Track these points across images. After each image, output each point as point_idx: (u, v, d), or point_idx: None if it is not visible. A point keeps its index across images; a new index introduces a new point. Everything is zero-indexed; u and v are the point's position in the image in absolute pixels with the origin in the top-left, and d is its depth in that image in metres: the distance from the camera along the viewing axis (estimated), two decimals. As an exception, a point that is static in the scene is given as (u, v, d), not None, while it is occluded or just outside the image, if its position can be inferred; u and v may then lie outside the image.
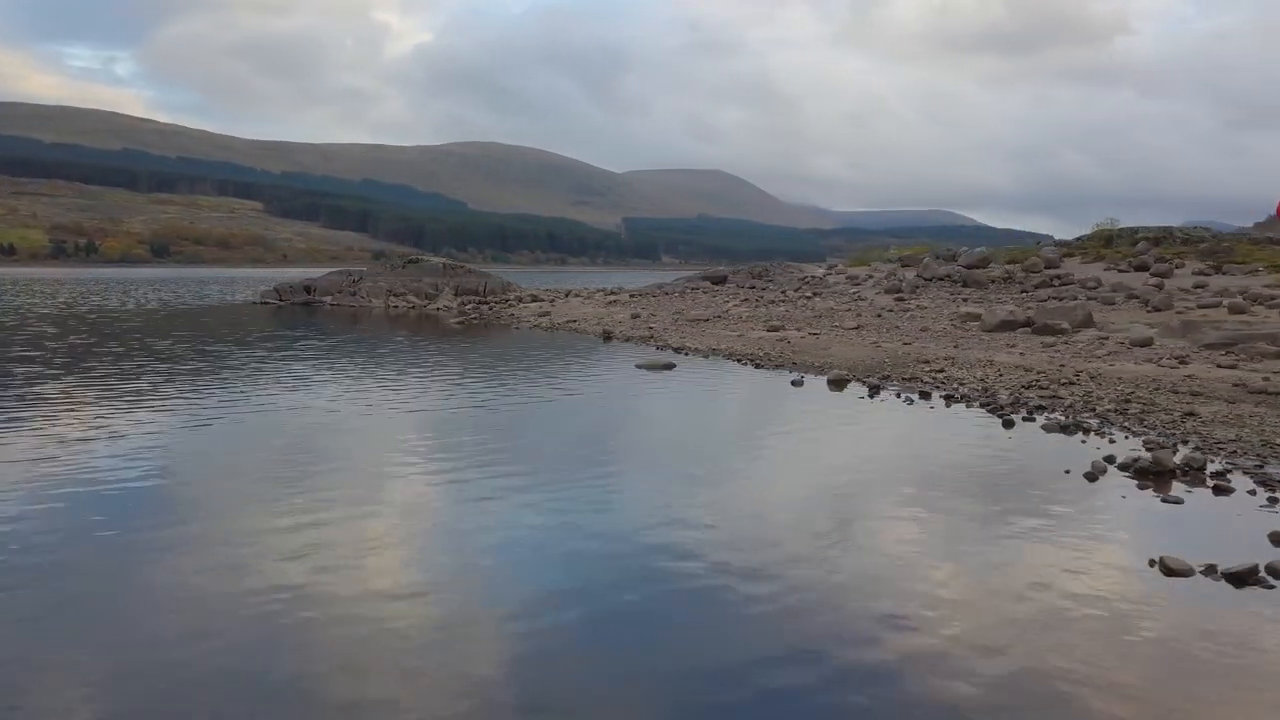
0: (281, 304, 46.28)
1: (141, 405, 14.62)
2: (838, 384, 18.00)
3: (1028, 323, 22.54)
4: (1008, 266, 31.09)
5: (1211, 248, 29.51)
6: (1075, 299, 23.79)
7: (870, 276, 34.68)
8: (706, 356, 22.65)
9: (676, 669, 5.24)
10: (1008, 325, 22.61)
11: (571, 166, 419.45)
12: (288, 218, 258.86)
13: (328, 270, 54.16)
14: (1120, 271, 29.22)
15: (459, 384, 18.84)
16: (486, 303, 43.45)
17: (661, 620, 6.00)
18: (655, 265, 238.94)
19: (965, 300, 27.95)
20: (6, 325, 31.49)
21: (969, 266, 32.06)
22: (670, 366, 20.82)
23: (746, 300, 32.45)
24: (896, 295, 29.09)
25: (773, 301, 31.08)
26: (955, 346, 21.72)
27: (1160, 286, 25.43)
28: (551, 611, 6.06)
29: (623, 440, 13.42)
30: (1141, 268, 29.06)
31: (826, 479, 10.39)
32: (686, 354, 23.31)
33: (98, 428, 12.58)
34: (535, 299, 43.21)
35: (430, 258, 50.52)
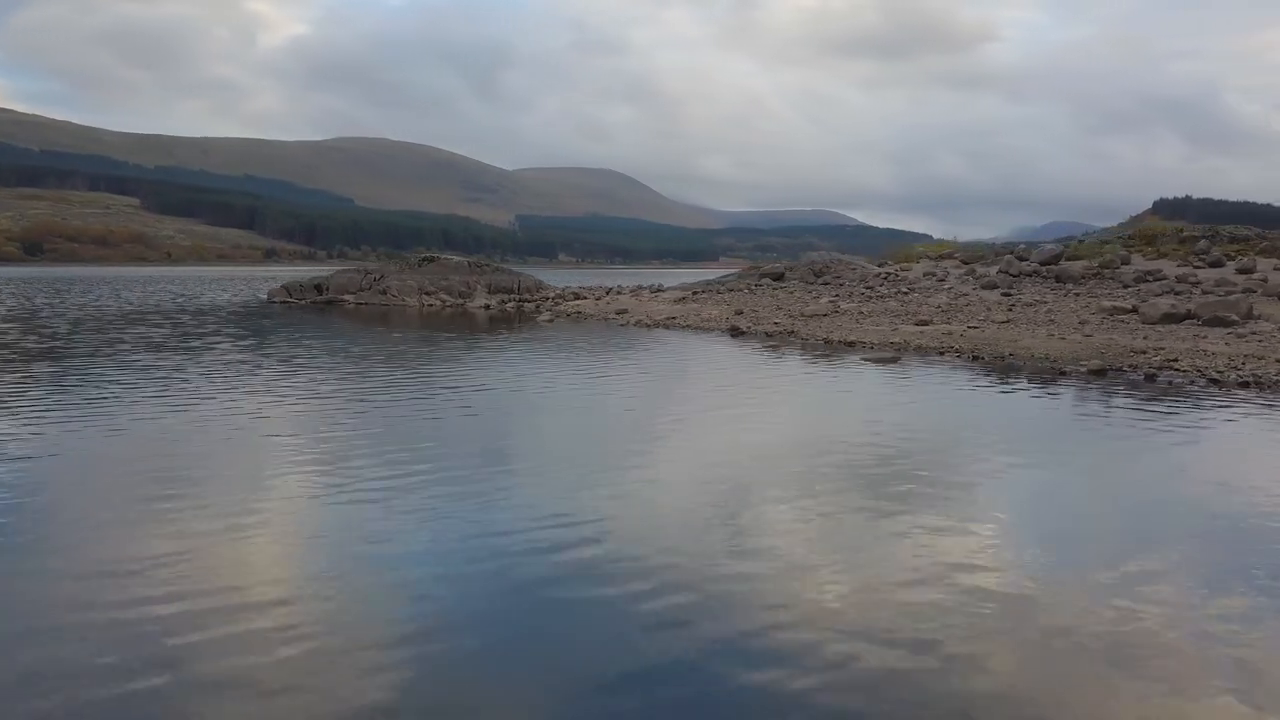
0: (300, 303, 44.46)
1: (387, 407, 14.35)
2: (1099, 374, 18.82)
3: (1188, 315, 23.74)
4: (1084, 263, 32.65)
5: (1273, 244, 31.77)
6: (1235, 293, 25.22)
7: (934, 273, 35.85)
8: (899, 350, 23.10)
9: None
10: (1171, 318, 23.77)
11: (461, 163, 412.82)
12: (167, 214, 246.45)
13: (338, 269, 52.18)
14: (1196, 267, 31.11)
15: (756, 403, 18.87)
16: (529, 301, 42.83)
17: None
18: (553, 264, 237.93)
19: (1072, 295, 29.24)
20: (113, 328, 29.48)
21: (1043, 263, 33.56)
22: (895, 360, 21.25)
23: (837, 296, 33.07)
24: (1004, 291, 30.23)
25: (881, 296, 31.82)
26: (1145, 339, 22.68)
27: (1266, 280, 27.27)
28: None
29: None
30: (1216, 264, 31.02)
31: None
32: (871, 348, 23.72)
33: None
34: (578, 296, 42.80)
35: (451, 256, 49.32)
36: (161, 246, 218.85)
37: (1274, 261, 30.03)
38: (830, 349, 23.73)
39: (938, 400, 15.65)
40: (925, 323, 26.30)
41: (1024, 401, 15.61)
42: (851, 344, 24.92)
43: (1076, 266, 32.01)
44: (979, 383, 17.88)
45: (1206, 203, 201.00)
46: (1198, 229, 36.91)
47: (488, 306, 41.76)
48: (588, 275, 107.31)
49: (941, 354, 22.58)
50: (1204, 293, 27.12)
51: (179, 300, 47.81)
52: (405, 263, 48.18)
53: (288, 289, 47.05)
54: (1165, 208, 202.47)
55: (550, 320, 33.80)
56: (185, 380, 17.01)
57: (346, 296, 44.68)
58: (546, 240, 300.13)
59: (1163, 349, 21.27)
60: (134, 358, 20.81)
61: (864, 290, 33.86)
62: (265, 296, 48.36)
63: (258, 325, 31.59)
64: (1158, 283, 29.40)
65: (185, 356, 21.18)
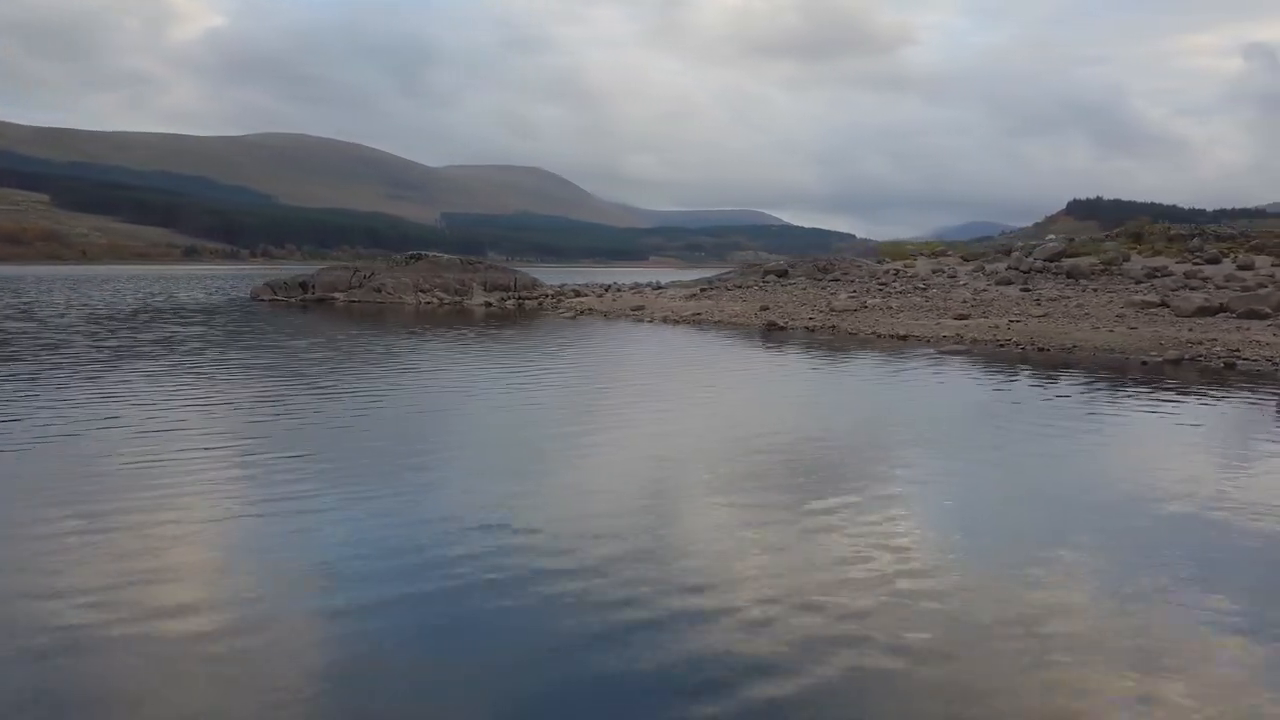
0: (288, 301, 43.48)
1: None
2: (1175, 363, 19.79)
3: (1221, 308, 24.92)
4: (1090, 260, 33.93)
5: (1264, 242, 33.50)
6: (1250, 288, 26.53)
7: (943, 270, 36.87)
8: (957, 342, 23.79)
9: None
10: (1205, 311, 24.96)
11: (385, 160, 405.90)
12: (81, 211, 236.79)
13: (323, 267, 51.15)
14: (1195, 264, 32.60)
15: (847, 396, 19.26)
16: (528, 298, 42.63)
17: None
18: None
19: (1090, 291, 30.41)
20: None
21: (1048, 260, 34.81)
22: (967, 352, 21.93)
23: (855, 293, 33.77)
24: (1023, 287, 31.30)
25: (902, 292, 32.64)
26: (1189, 331, 23.72)
27: (1274, 276, 28.79)
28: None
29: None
30: (1213, 261, 32.57)
31: None
32: (927, 341, 24.40)
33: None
34: (578, 294, 42.76)
35: (440, 255, 48.76)
36: (76, 245, 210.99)
37: (1270, 259, 31.69)
38: (891, 343, 24.25)
39: (1110, 401, 16.28)
40: (964, 317, 27.04)
41: (1187, 394, 16.33)
42: (904, 338, 25.53)
43: (1084, 263, 33.31)
44: (1094, 377, 18.62)
45: (1117, 203, 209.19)
46: (1184, 228, 38.68)
47: (489, 304, 41.47)
48: (541, 275, 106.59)
49: (1001, 346, 23.33)
50: (1218, 288, 28.48)
51: (156, 300, 46.31)
52: (392, 261, 47.47)
53: (272, 287, 46.00)
54: (1079, 208, 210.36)
55: (573, 317, 33.79)
56: (246, 376, 16.79)
57: (336, 294, 43.86)
58: (475, 239, 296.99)
59: (1214, 340, 22.30)
60: (205, 361, 20.37)
61: (878, 286, 34.66)
62: (249, 295, 47.17)
63: (287, 322, 30.91)
64: (1168, 278, 30.75)
65: (257, 354, 20.79)
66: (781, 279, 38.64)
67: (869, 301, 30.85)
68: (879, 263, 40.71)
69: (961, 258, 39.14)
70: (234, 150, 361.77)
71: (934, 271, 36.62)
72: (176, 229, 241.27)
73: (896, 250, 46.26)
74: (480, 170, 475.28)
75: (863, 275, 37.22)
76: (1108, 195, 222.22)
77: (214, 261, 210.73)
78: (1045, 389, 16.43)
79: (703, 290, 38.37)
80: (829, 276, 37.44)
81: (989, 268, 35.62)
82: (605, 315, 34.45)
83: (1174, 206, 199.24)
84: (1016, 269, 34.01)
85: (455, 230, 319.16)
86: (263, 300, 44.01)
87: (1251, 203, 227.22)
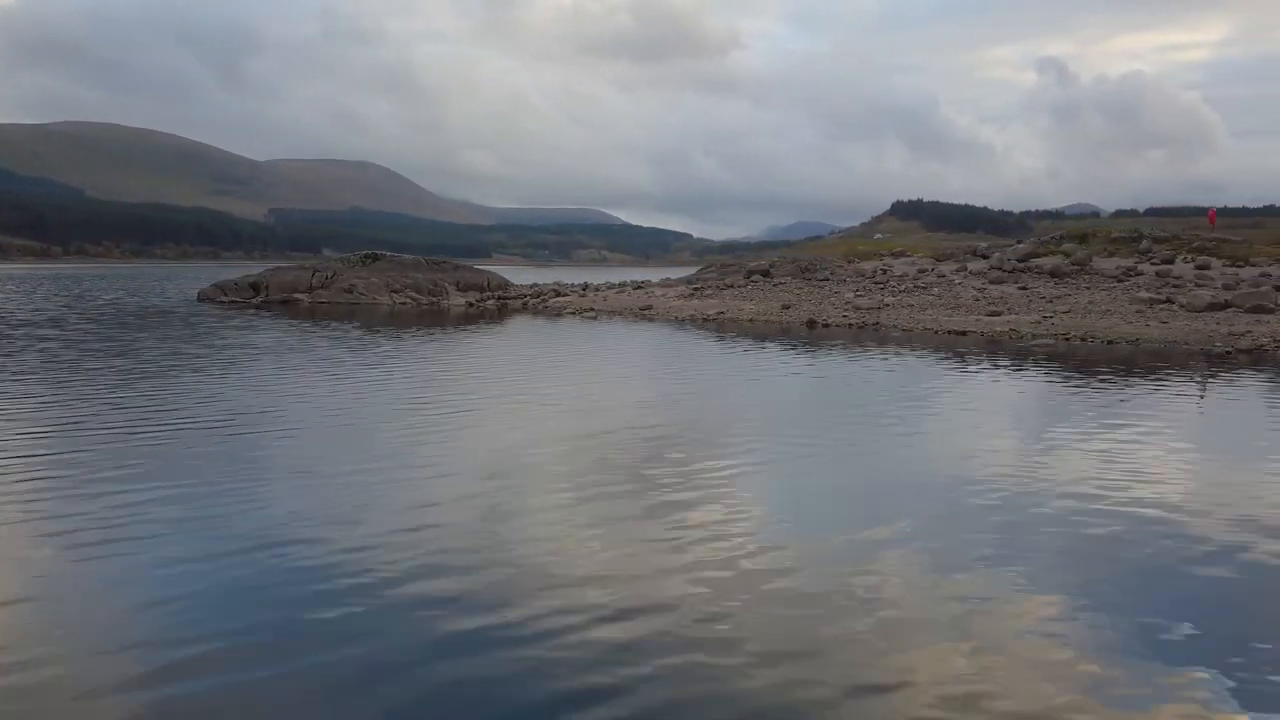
0: (247, 302, 41.30)
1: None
2: (1246, 352, 22.25)
3: (1227, 304, 27.92)
4: (1060, 262, 36.87)
5: (1205, 244, 37.43)
6: (1241, 284, 29.76)
7: (928, 270, 39.16)
8: (1019, 338, 25.75)
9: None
10: (1214, 306, 27.90)
11: (207, 152, 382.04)
12: None
13: (272, 268, 48.66)
14: (1153, 264, 36.05)
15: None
16: (508, 298, 42.23)
17: None
18: (318, 259, 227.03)
19: (1083, 289, 33.22)
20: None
21: (1020, 260, 37.66)
22: (1055, 348, 23.84)
23: (859, 291, 35.48)
24: (1020, 286, 33.84)
25: (905, 290, 34.59)
26: (1216, 324, 26.43)
27: (1238, 275, 32.39)
28: None
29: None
30: (1167, 261, 36.12)
31: None
32: (983, 336, 26.30)
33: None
34: (559, 293, 42.70)
35: (401, 255, 47.47)
36: None
37: (1218, 260, 35.49)
38: (958, 340, 25.79)
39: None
40: (997, 313, 29.02)
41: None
42: (963, 333, 27.21)
43: (1058, 263, 36.30)
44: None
45: (936, 204, 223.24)
46: (1122, 228, 42.57)
47: (470, 304, 40.88)
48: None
49: (1067, 339, 25.29)
50: (1198, 285, 31.76)
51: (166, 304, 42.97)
52: (347, 261, 45.85)
53: (222, 289, 43.60)
54: (901, 209, 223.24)
55: (594, 316, 33.95)
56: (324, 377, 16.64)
57: (299, 295, 42.07)
58: (309, 236, 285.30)
59: (1248, 331, 24.96)
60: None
61: (875, 285, 36.52)
62: (195, 297, 44.42)
63: (288, 323, 29.68)
64: (1140, 277, 34.00)
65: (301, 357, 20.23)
66: (767, 278, 39.98)
67: (886, 300, 32.54)
68: (848, 262, 42.69)
69: (934, 258, 41.66)
70: (32, 139, 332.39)
71: (920, 271, 38.90)
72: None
73: (855, 249, 48.54)
74: (310, 165, 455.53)
75: (848, 275, 39.09)
76: (927, 197, 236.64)
77: (21, 260, 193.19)
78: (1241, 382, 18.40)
79: (695, 289, 39.23)
80: (818, 276, 39.12)
81: (971, 267, 38.19)
82: (620, 315, 34.72)
83: (985, 208, 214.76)
84: (1000, 269, 36.69)
85: (287, 227, 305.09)
86: (221, 302, 41.62)
87: (1049, 205, 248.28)
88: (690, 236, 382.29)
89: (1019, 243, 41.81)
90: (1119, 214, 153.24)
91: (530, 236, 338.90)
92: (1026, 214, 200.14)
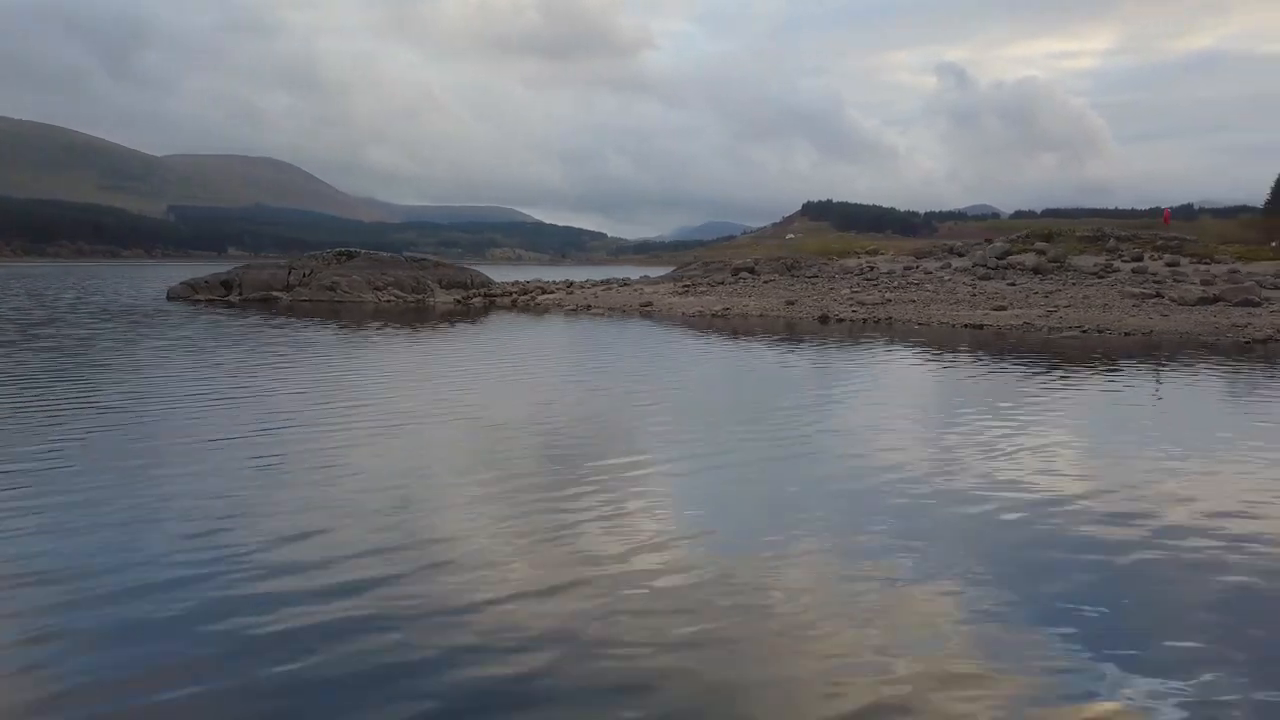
0: (223, 300, 40.04)
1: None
2: (1263, 342, 23.77)
3: (1216, 298, 29.68)
4: (1040, 259, 38.48)
5: (1167, 243, 39.57)
6: (1249, 281, 31.68)
7: (914, 268, 40.39)
8: (1041, 331, 26.94)
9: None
10: (1205, 300, 29.62)
11: (99, 147, 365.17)
12: None
13: (244, 265, 47.18)
14: (1125, 262, 37.94)
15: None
16: (495, 295, 41.96)
17: None
18: (224, 258, 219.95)
19: (1069, 285, 34.75)
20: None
21: (999, 257, 39.20)
22: (1086, 340, 25.03)
23: (855, 288, 36.43)
24: (1010, 282, 35.24)
25: (899, 287, 35.64)
26: (1214, 316, 28.03)
27: (1212, 274, 34.39)
28: None
29: None
30: (1137, 259, 38.06)
31: None
32: (1001, 329, 27.41)
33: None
34: (544, 290, 42.59)
35: (377, 252, 46.59)
36: None
37: (1185, 258, 37.57)
38: (978, 334, 26.74)
39: None
40: (1001, 308, 30.20)
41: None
42: (980, 327, 28.20)
43: (1039, 261, 37.94)
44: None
45: (845, 205, 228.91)
46: (1087, 228, 44.64)
47: (457, 301, 40.52)
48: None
49: (1084, 332, 26.51)
50: (1176, 281, 33.62)
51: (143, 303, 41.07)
52: (321, 258, 44.77)
53: (193, 286, 42.17)
54: (813, 209, 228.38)
55: (603, 313, 34.02)
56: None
57: (277, 293, 41.01)
58: (211, 233, 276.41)
59: (1249, 324, 26.53)
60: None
61: (866, 282, 37.55)
62: (166, 295, 42.82)
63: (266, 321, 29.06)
64: (1118, 274, 35.80)
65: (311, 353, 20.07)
66: (754, 275, 40.69)
67: (887, 295, 33.54)
68: (829, 260, 43.74)
69: (915, 256, 43.02)
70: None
71: (906, 269, 40.14)
72: None
73: (830, 247, 49.71)
74: (209, 160, 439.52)
75: (835, 272, 40.11)
76: (836, 198, 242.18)
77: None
78: None
79: (686, 286, 39.68)
80: (806, 273, 40.03)
81: (955, 264, 39.57)
82: (620, 311, 34.89)
83: (893, 209, 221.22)
84: (984, 265, 38.13)
85: (188, 224, 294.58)
86: (197, 301, 40.23)
87: (950, 206, 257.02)
88: (605, 236, 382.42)
89: (990, 241, 43.42)
90: (1018, 215, 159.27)
91: (442, 234, 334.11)
92: (931, 214, 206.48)
